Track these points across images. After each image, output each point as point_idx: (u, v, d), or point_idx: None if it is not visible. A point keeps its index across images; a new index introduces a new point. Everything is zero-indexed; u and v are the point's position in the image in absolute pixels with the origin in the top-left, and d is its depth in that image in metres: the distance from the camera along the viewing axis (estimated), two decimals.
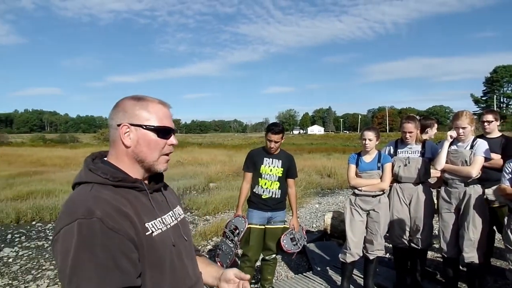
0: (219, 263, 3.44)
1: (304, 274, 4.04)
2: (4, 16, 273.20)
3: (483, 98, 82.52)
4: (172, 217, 1.13)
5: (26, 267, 5.15)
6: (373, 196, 3.34)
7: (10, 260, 5.47)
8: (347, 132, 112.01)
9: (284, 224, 3.49)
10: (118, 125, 1.05)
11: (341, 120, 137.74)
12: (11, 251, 5.86)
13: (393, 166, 3.42)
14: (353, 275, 3.60)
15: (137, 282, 0.92)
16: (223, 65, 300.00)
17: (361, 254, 3.41)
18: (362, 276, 3.59)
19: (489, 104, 75.60)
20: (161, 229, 1.03)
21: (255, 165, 3.37)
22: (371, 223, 3.37)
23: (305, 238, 3.64)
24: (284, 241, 3.38)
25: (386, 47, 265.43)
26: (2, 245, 6.20)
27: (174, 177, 13.15)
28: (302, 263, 4.88)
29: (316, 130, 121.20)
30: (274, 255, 3.47)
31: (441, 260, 4.23)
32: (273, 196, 3.35)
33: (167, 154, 1.10)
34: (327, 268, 4.18)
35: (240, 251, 3.54)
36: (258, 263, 3.60)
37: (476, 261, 3.01)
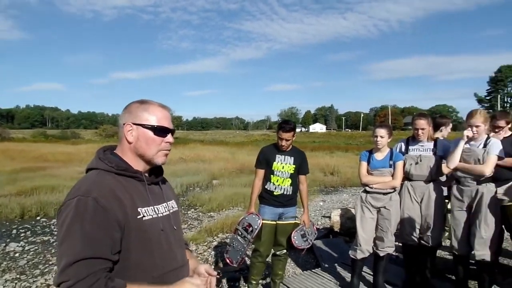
0: (228, 259, 3.43)
1: (313, 270, 4.04)
2: (7, 11, 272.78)
3: (487, 98, 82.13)
4: (165, 208, 1.29)
5: (33, 261, 5.17)
6: (384, 194, 3.32)
7: (17, 254, 5.50)
8: (349, 130, 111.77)
9: (295, 220, 3.49)
10: (124, 124, 1.24)
11: (343, 118, 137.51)
12: (17, 245, 5.88)
13: (404, 164, 3.41)
14: (362, 272, 3.59)
15: (113, 257, 1.07)
16: (226, 62, 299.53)
17: (371, 251, 3.41)
18: (372, 273, 3.58)
19: (493, 103, 75.39)
20: (151, 215, 1.20)
21: (268, 162, 3.36)
22: (381, 220, 3.36)
23: (315, 234, 3.64)
24: (295, 237, 3.38)
25: (390, 45, 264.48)
26: (8, 240, 6.22)
27: (177, 173, 13.17)
28: (310, 259, 4.89)
29: (318, 128, 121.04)
30: (285, 251, 3.47)
31: (450, 258, 4.23)
32: (285, 193, 3.35)
33: (165, 150, 1.27)
34: (335, 264, 4.17)
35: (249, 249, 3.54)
36: (269, 259, 3.60)
37: (488, 259, 3.00)
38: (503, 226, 3.65)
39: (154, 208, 1.23)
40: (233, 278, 4.34)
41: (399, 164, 3.31)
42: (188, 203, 9.27)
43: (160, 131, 1.24)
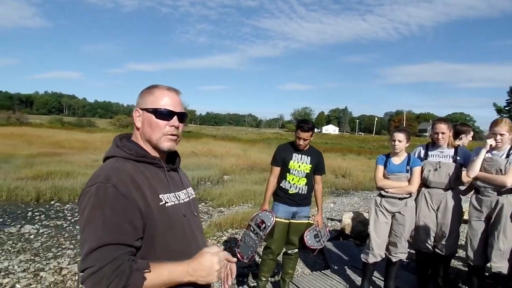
0: (239, 254, 3.44)
1: (322, 271, 4.03)
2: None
3: (506, 108, 79.69)
4: (185, 195, 1.29)
5: (46, 244, 5.29)
6: (400, 199, 3.28)
7: (32, 236, 5.63)
8: (362, 134, 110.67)
9: (309, 220, 3.47)
10: (135, 110, 1.24)
11: (357, 121, 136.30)
12: (32, 228, 6.03)
13: (422, 170, 3.35)
14: (373, 276, 3.56)
15: (135, 243, 1.06)
16: (242, 59, 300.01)
17: (383, 256, 3.37)
18: (382, 278, 3.55)
19: (511, 114, 73.49)
20: (174, 202, 1.19)
21: (284, 160, 3.35)
22: (396, 225, 3.32)
23: (328, 236, 3.61)
24: (307, 236, 3.36)
25: (409, 49, 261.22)
26: (23, 222, 6.38)
27: (189, 167, 13.25)
28: (319, 260, 4.86)
29: (331, 129, 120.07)
30: (296, 250, 3.46)
31: (463, 268, 4.16)
32: (300, 192, 3.33)
33: (170, 135, 1.21)
34: (345, 267, 4.15)
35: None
36: (280, 257, 3.60)
37: (505, 271, 2.93)
38: None
39: (175, 194, 1.22)
40: (242, 274, 4.35)
41: (417, 170, 3.26)
42: (198, 196, 9.33)
43: (162, 114, 1.19)
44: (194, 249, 1.18)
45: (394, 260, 3.35)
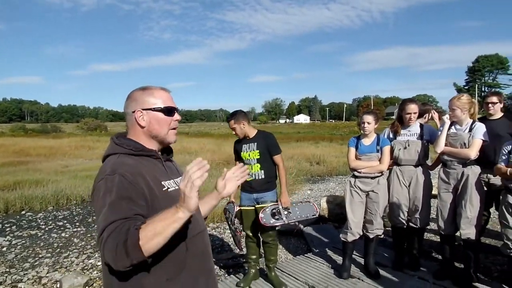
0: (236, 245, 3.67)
1: (305, 255, 4.14)
2: None
3: (465, 87, 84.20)
4: (180, 180, 1.34)
5: (21, 255, 5.10)
6: (372, 178, 3.43)
7: (4, 248, 5.40)
8: (333, 121, 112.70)
9: (274, 204, 3.45)
10: (133, 112, 1.33)
11: (327, 109, 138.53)
12: (4, 240, 5.77)
13: (393, 149, 3.51)
14: (353, 254, 3.71)
15: (136, 217, 1.14)
16: (209, 53, 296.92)
17: (361, 233, 3.52)
18: (362, 256, 3.71)
19: (471, 93, 77.20)
20: (174, 187, 1.32)
21: (238, 153, 3.53)
22: (370, 203, 3.47)
23: (298, 214, 3.51)
24: (262, 215, 3.31)
25: (373, 36, 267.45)
26: None
27: None
28: (301, 245, 4.99)
29: (302, 119, 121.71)
30: (271, 235, 3.48)
31: (435, 240, 4.41)
32: (256, 177, 3.40)
33: (174, 128, 1.39)
34: (326, 249, 4.28)
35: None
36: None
37: (473, 237, 3.14)
38: (491, 210, 3.84)
39: (174, 181, 1.35)
40: (227, 265, 4.41)
41: (386, 149, 3.42)
42: None
43: (168, 111, 1.35)
44: (196, 228, 1.30)
45: (371, 236, 3.50)
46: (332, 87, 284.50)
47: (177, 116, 1.39)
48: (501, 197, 3.02)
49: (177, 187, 1.31)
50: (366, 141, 3.50)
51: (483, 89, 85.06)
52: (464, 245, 3.25)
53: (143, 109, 1.32)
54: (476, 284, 3.18)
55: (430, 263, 3.72)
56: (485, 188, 3.43)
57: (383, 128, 3.90)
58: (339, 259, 3.79)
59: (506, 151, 2.96)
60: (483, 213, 3.37)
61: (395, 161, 3.57)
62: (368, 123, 3.42)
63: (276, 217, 3.38)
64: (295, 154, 15.93)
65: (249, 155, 3.42)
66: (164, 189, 1.28)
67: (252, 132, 3.46)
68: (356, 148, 3.51)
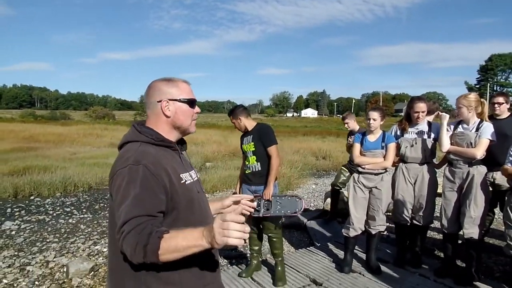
0: None
1: (307, 248, 4.18)
2: None
3: (476, 86, 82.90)
4: (195, 174, 1.45)
5: (30, 239, 5.22)
6: (376, 174, 3.44)
7: (13, 232, 5.53)
8: (341, 116, 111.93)
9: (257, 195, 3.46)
10: (159, 101, 1.35)
11: (335, 104, 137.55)
12: (13, 224, 5.91)
13: (400, 147, 3.51)
14: (355, 249, 3.74)
15: (158, 215, 1.19)
16: (219, 44, 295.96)
17: (363, 229, 3.54)
18: (364, 251, 3.73)
19: (482, 92, 76.14)
20: (190, 180, 1.36)
21: (241, 146, 3.61)
22: (373, 199, 3.49)
23: (278, 209, 3.48)
24: None
25: (384, 30, 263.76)
26: (3, 219, 6.24)
27: None
28: (304, 239, 5.04)
29: (309, 113, 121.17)
30: (272, 231, 3.47)
31: (438, 238, 4.41)
32: (253, 170, 3.45)
33: (195, 120, 1.44)
34: (328, 243, 4.32)
35: None
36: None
37: (475, 237, 3.15)
38: (495, 210, 3.82)
39: (189, 173, 1.39)
40: (229, 256, 4.47)
41: (391, 146, 3.42)
42: None
43: (192, 103, 1.40)
44: (207, 221, 1.32)
45: (373, 232, 3.52)
46: (341, 81, 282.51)
47: (197, 109, 1.44)
48: (506, 198, 3.01)
49: (191, 180, 1.36)
50: (372, 138, 3.50)
51: (495, 88, 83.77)
52: (467, 244, 3.25)
53: (169, 100, 1.35)
54: (477, 283, 3.19)
55: (432, 261, 3.73)
56: (490, 188, 3.43)
57: (391, 125, 3.89)
58: (341, 254, 3.82)
59: None
60: (487, 214, 3.36)
61: (402, 159, 3.56)
62: (374, 119, 3.42)
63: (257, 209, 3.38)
64: (301, 148, 15.94)
65: (247, 147, 3.50)
66: (182, 181, 1.31)
67: (250, 125, 3.52)
68: (361, 144, 3.52)
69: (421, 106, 3.43)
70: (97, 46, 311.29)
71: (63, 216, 6.51)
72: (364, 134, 3.56)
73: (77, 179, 8.91)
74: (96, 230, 5.66)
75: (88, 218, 6.35)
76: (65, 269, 4.06)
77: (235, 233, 1.06)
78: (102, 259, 4.45)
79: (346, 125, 5.29)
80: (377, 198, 3.46)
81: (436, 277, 3.33)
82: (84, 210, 6.91)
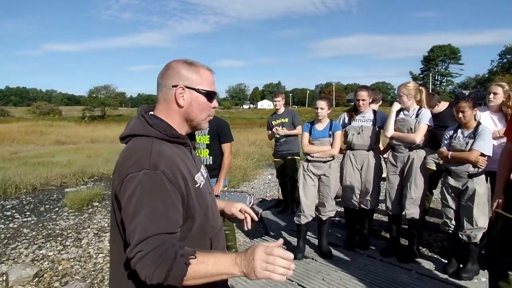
0: None
1: (262, 237, 4.23)
2: None
3: (420, 76, 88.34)
4: (204, 170, 1.31)
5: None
6: (324, 162, 3.54)
7: None
8: (296, 107, 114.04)
9: None
10: (174, 86, 1.16)
11: (290, 95, 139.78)
12: None
13: (347, 134, 3.64)
14: (307, 236, 3.84)
15: (178, 230, 1.05)
16: (172, 36, 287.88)
17: (314, 216, 3.64)
18: (316, 237, 3.85)
19: (425, 81, 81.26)
20: (202, 181, 1.22)
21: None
22: (322, 187, 3.60)
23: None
24: None
25: (336, 23, 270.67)
26: None
27: None
28: (259, 229, 5.08)
29: (266, 104, 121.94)
30: (224, 223, 3.48)
31: (384, 220, 4.66)
32: (205, 163, 3.40)
33: (210, 116, 1.26)
34: (282, 232, 4.40)
35: None
36: None
37: (416, 216, 3.36)
38: (434, 191, 4.10)
39: (201, 172, 1.25)
40: None
41: (338, 134, 3.53)
42: None
43: (211, 96, 1.22)
44: (219, 224, 1.25)
45: (324, 218, 3.64)
46: (296, 73, 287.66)
47: (215, 103, 1.26)
48: (441, 179, 3.24)
49: (203, 181, 1.23)
50: (319, 126, 3.59)
51: (436, 77, 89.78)
52: (409, 224, 3.47)
53: (186, 87, 1.16)
54: (419, 259, 3.43)
55: (379, 242, 3.94)
56: (436, 169, 3.66)
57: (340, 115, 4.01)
58: (294, 241, 3.91)
59: (448, 136, 3.17)
60: (426, 194, 3.60)
61: (349, 146, 3.70)
62: (322, 108, 3.51)
63: None
64: (258, 139, 16.06)
65: (200, 139, 3.41)
66: (196, 185, 1.16)
67: None
68: (310, 133, 3.60)
69: (363, 95, 3.57)
70: (40, 37, 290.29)
71: (2, 220, 6.02)
72: (312, 123, 3.64)
73: (18, 180, 8.27)
74: (41, 234, 5.31)
75: (32, 221, 5.94)
76: (4, 278, 3.77)
77: (280, 270, 0.96)
78: (48, 264, 4.19)
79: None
80: (326, 185, 3.57)
81: (382, 256, 3.52)
82: (27, 213, 6.45)
